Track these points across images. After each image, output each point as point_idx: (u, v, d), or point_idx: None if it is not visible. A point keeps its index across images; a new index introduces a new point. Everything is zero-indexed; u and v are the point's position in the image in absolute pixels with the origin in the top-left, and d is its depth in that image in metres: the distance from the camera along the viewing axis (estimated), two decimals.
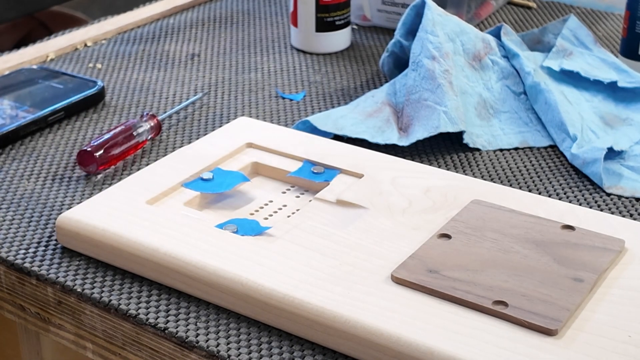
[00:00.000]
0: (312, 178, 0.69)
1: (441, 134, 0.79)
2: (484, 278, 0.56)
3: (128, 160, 0.76)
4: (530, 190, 0.72)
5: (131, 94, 0.88)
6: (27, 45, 0.99)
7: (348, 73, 0.93)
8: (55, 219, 0.67)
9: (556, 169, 0.75)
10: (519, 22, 1.06)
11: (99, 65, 0.95)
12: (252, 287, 0.56)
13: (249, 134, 0.74)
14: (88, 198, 0.69)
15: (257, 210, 0.67)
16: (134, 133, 0.76)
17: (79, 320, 0.61)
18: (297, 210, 0.66)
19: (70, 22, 1.65)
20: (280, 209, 0.67)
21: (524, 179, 0.74)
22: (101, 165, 0.73)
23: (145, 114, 0.79)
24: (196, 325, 0.57)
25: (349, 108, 0.82)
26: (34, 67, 0.91)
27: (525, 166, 0.76)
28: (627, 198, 0.71)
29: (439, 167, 0.75)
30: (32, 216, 0.68)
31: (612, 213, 0.69)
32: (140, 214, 0.63)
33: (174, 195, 0.67)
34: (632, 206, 0.70)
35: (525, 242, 0.59)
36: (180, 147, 0.78)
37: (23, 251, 0.64)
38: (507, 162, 0.76)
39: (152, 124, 0.78)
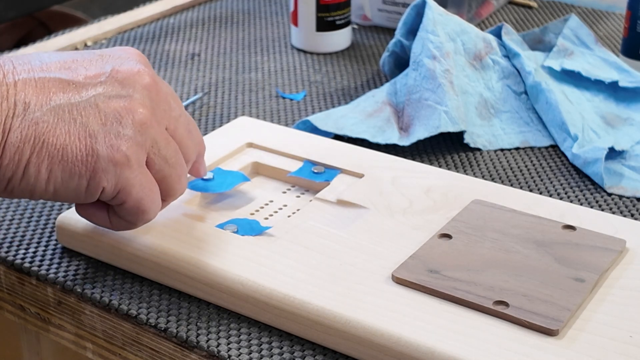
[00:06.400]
0: (313, 178, 0.68)
1: (442, 134, 0.79)
2: (484, 278, 0.56)
3: None
4: (531, 190, 0.72)
5: None
6: (27, 45, 0.99)
7: (348, 73, 0.93)
8: (55, 219, 0.67)
9: (557, 168, 0.75)
10: (519, 22, 1.05)
11: None
12: (253, 287, 0.56)
13: (249, 133, 0.74)
14: None
15: (257, 210, 0.67)
16: None
17: (78, 320, 0.61)
18: (298, 210, 0.66)
19: (70, 22, 1.65)
20: (280, 208, 0.67)
21: (524, 179, 0.74)
22: None
23: None
24: (196, 325, 0.57)
25: (349, 108, 0.81)
26: None
27: (526, 166, 0.76)
28: (628, 198, 0.71)
29: (440, 167, 0.75)
30: (32, 216, 0.68)
31: (613, 213, 0.68)
32: None
33: None
34: (634, 206, 0.70)
35: (526, 242, 0.59)
36: None
37: (23, 251, 0.64)
38: (507, 162, 0.76)
39: None
